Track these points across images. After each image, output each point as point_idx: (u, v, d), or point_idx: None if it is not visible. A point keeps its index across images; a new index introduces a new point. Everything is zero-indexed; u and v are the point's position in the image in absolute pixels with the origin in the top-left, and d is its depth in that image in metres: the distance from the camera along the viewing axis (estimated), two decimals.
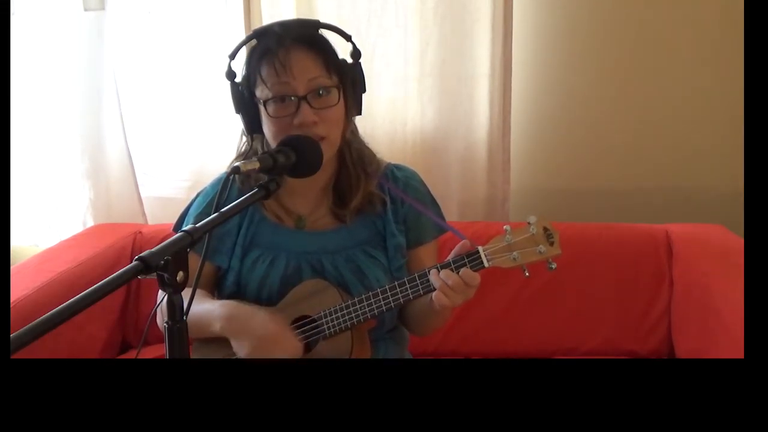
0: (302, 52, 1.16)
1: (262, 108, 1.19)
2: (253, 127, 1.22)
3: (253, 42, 1.21)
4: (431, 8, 1.96)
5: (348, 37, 1.22)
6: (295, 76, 1.15)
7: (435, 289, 1.12)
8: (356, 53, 1.22)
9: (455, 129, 2.05)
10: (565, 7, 2.04)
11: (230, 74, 1.21)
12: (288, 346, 1.14)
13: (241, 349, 1.15)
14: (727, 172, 2.03)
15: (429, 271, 1.11)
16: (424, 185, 1.35)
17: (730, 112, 1.96)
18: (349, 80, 1.21)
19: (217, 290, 1.32)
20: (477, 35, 1.97)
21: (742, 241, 1.72)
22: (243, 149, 1.29)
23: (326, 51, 1.19)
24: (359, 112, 1.26)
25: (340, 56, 1.22)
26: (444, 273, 1.08)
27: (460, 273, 1.08)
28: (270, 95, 1.16)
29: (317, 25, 1.22)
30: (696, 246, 1.81)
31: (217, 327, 1.18)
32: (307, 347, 1.20)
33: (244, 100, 1.20)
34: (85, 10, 2.10)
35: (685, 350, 1.73)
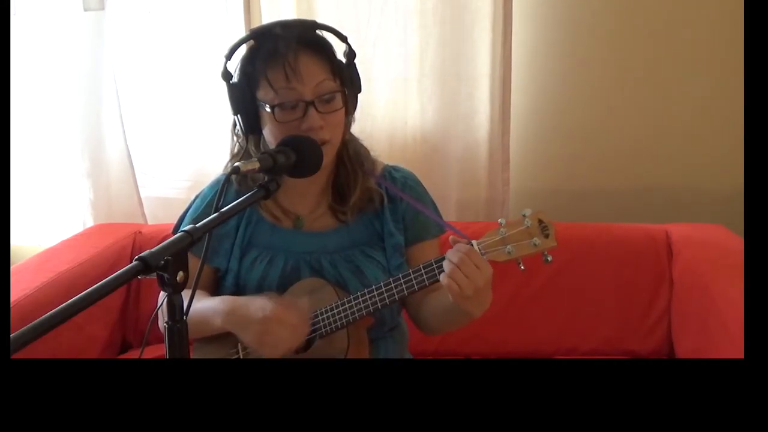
0: (309, 57, 1.16)
1: (266, 111, 1.17)
2: (252, 127, 1.21)
3: (251, 42, 1.20)
4: (431, 8, 1.96)
5: (344, 38, 1.21)
6: (304, 82, 1.14)
7: (429, 285, 1.11)
8: (351, 54, 1.21)
9: (455, 129, 2.05)
10: (566, 8, 2.04)
11: (227, 75, 1.19)
12: (291, 320, 1.12)
13: (247, 338, 1.15)
14: (727, 172, 2.03)
15: (422, 267, 1.11)
16: (422, 186, 1.35)
17: (730, 113, 1.96)
18: (348, 82, 1.21)
19: (216, 292, 1.32)
20: (477, 35, 1.97)
21: (742, 241, 1.72)
22: (236, 150, 1.27)
23: (330, 54, 1.19)
24: (354, 112, 1.26)
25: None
26: (449, 252, 1.06)
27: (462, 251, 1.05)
28: (276, 100, 1.15)
29: (314, 25, 1.21)
30: (696, 246, 1.81)
31: (218, 322, 1.18)
32: (305, 345, 1.20)
33: (245, 101, 1.19)
34: (85, 10, 2.10)
35: (685, 350, 1.73)
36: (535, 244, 1.05)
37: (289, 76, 1.14)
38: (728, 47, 1.95)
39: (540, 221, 1.06)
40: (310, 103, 1.14)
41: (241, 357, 1.23)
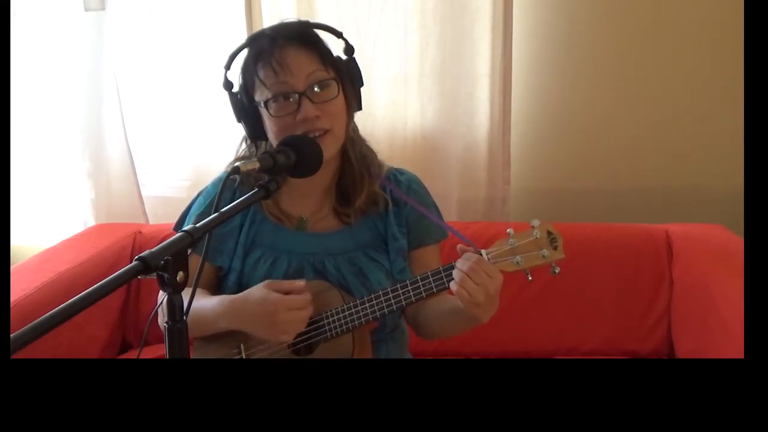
0: (296, 49, 1.17)
1: (263, 110, 1.19)
2: (256, 133, 1.22)
3: (247, 49, 1.21)
4: (431, 8, 1.96)
5: (339, 34, 1.22)
6: (294, 74, 1.15)
7: (436, 293, 1.11)
8: (349, 49, 1.22)
9: (455, 129, 2.05)
10: (566, 7, 2.04)
11: (227, 84, 1.21)
12: (295, 303, 1.13)
13: (258, 332, 1.16)
14: (727, 172, 2.03)
15: (431, 274, 1.11)
16: (426, 189, 1.35)
17: (730, 112, 1.96)
18: (346, 75, 1.21)
19: (218, 291, 1.32)
20: (477, 35, 1.97)
21: (742, 241, 1.72)
22: (243, 154, 1.29)
23: (319, 46, 1.19)
24: (359, 107, 1.26)
25: (335, 54, 1.22)
26: (458, 261, 1.06)
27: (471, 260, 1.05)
28: (270, 95, 1.17)
29: (308, 24, 1.22)
30: (696, 246, 1.81)
31: (222, 325, 1.18)
32: (309, 349, 1.20)
33: (245, 108, 1.21)
34: (86, 10, 2.10)
35: (685, 350, 1.73)
36: (543, 256, 1.05)
37: (277, 70, 1.15)
38: (728, 47, 1.95)
39: (549, 232, 1.06)
40: (302, 94, 1.15)
41: (244, 357, 1.23)
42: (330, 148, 1.16)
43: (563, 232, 1.08)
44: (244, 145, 1.29)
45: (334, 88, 1.18)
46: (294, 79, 1.15)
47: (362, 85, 1.24)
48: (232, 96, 1.22)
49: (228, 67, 1.21)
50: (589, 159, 2.13)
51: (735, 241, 1.78)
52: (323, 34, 1.22)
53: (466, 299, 1.04)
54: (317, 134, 1.16)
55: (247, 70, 1.20)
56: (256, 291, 1.16)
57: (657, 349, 1.82)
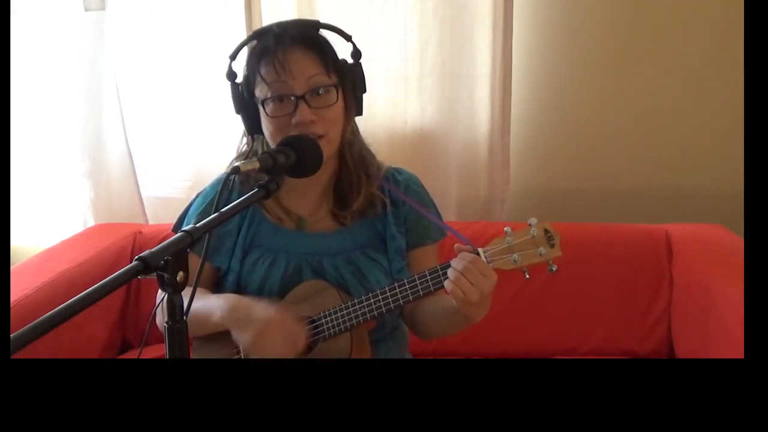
0: (300, 52, 1.16)
1: (260, 107, 1.19)
2: (253, 127, 1.22)
3: (254, 42, 1.21)
4: (431, 8, 1.97)
5: (348, 37, 1.22)
6: (294, 76, 1.15)
7: (434, 292, 1.11)
8: (357, 53, 1.22)
9: (455, 128, 2.05)
10: (565, 7, 2.04)
11: (231, 75, 1.21)
12: (290, 331, 1.13)
13: (244, 337, 1.14)
14: (727, 172, 2.03)
15: (428, 273, 1.11)
16: (425, 189, 1.35)
17: (730, 112, 1.95)
18: (349, 80, 1.21)
19: (217, 291, 1.32)
20: (477, 35, 1.97)
21: (742, 241, 1.72)
22: (243, 150, 1.29)
23: (325, 50, 1.19)
24: (360, 113, 1.25)
25: (341, 56, 1.22)
26: (454, 260, 1.06)
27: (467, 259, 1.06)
28: (268, 94, 1.17)
29: (317, 25, 1.22)
30: (696, 246, 1.81)
31: (217, 316, 1.17)
32: (307, 348, 1.20)
33: (244, 101, 1.21)
34: (86, 10, 2.10)
35: (685, 350, 1.73)
36: (540, 254, 1.05)
37: (278, 71, 1.15)
38: (728, 47, 1.95)
39: (546, 231, 1.06)
40: (300, 98, 1.15)
41: (243, 357, 1.23)
42: (323, 152, 1.16)
43: (563, 233, 1.08)
44: (244, 139, 1.29)
45: (333, 94, 1.18)
46: (294, 81, 1.15)
47: (365, 91, 1.24)
48: (234, 87, 1.21)
49: (233, 57, 1.21)
50: (588, 159, 2.13)
51: (735, 241, 1.78)
52: (330, 36, 1.22)
53: (461, 298, 1.04)
54: None
55: (250, 66, 1.20)
56: (266, 303, 1.16)
57: (657, 349, 1.82)
